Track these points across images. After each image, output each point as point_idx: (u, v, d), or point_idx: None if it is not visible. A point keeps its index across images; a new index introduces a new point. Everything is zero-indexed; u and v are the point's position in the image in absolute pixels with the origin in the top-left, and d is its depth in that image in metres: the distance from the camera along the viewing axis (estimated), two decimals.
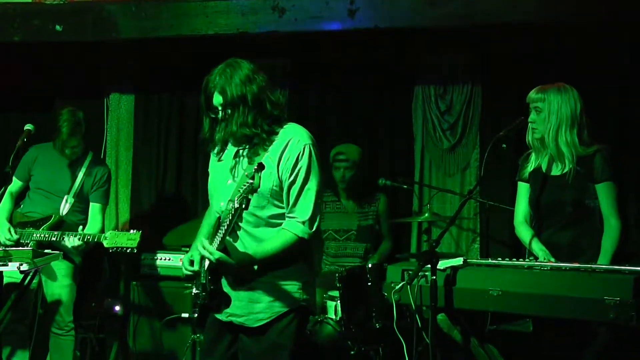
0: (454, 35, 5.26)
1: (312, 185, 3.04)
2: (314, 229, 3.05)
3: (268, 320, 3.07)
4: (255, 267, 3.03)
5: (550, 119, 3.63)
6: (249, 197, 2.76)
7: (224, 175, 3.16)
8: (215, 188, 3.24)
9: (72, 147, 4.77)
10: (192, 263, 3.12)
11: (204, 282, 3.06)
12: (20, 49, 5.54)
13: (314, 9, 4.94)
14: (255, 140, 3.04)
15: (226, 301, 3.09)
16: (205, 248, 2.91)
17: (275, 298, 3.07)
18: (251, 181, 2.75)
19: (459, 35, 5.29)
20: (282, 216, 3.08)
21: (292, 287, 3.10)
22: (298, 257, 3.12)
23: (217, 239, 2.93)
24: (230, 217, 2.83)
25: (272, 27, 5.01)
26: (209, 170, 3.31)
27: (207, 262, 3.04)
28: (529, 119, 3.71)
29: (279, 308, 3.07)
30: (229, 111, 3.00)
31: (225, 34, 5.07)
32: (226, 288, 3.11)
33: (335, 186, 5.36)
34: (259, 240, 3.06)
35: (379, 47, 5.60)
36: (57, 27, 5.23)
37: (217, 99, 3.02)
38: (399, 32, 5.01)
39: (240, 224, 3.04)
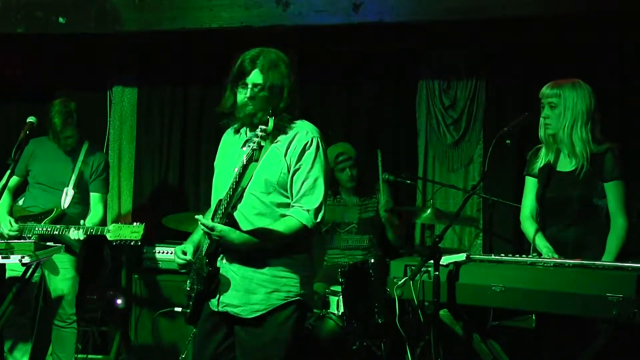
0: (458, 30, 5.24)
1: (319, 176, 3.05)
2: (319, 219, 3.05)
3: (264, 312, 3.05)
4: (257, 240, 2.98)
5: (566, 114, 3.59)
6: (261, 144, 2.76)
7: (231, 165, 3.07)
8: (220, 180, 3.17)
9: (65, 137, 4.75)
10: (184, 253, 3.13)
11: (201, 265, 3.04)
12: (23, 40, 5.53)
13: (318, 2, 4.91)
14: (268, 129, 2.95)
15: (223, 286, 3.07)
16: (204, 224, 2.91)
17: (272, 290, 3.06)
18: (264, 127, 2.74)
19: (463, 30, 5.26)
20: (286, 205, 3.07)
21: (290, 280, 3.08)
22: (299, 250, 3.11)
23: (220, 213, 2.93)
24: (236, 180, 2.84)
25: (276, 20, 4.98)
26: (215, 164, 3.28)
27: (205, 247, 3.03)
28: (542, 115, 3.68)
29: (275, 300, 3.06)
30: (262, 94, 3.01)
31: (228, 27, 5.05)
32: (224, 277, 3.09)
33: (338, 186, 5.30)
34: None
35: (383, 41, 5.58)
36: (61, 20, 5.22)
37: (256, 78, 3.02)
38: (403, 26, 4.98)
39: (242, 211, 3.02)
